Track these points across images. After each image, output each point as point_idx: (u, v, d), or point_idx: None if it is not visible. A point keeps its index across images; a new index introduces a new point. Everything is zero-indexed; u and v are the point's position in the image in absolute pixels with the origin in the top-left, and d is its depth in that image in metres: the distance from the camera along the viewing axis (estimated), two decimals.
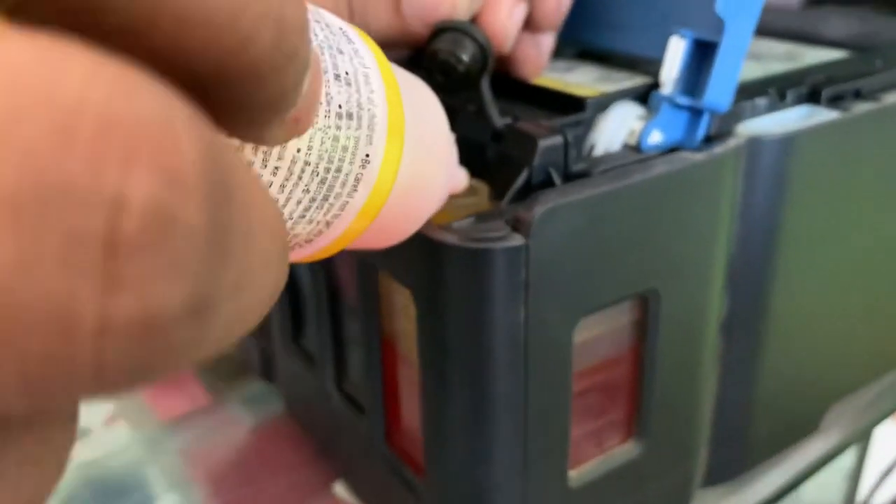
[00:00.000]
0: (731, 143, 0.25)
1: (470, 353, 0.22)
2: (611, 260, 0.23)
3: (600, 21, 0.29)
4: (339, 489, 0.33)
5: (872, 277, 0.31)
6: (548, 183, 0.23)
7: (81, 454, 0.37)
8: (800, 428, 0.33)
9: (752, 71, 0.30)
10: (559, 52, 0.31)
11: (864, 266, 0.31)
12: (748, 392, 0.29)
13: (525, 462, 0.24)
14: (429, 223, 0.21)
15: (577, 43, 0.31)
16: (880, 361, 0.35)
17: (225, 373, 0.42)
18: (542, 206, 0.21)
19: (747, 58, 0.31)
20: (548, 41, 0.27)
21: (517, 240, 0.21)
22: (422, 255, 0.22)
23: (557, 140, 0.23)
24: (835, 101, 0.28)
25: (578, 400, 0.25)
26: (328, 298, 0.29)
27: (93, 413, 0.40)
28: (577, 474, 0.26)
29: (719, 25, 0.24)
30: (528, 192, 0.23)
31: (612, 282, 0.23)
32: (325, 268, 0.29)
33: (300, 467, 0.35)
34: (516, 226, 0.21)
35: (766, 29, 0.36)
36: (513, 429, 0.23)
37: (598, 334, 0.25)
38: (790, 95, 0.28)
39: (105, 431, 0.39)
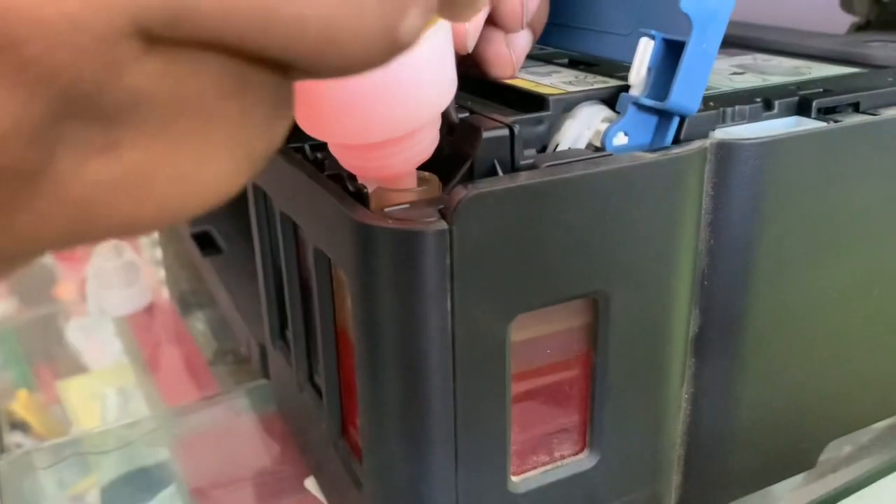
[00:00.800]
0: (693, 145, 0.24)
1: (399, 340, 0.22)
2: (549, 256, 0.22)
3: (584, 27, 0.29)
4: (310, 484, 0.33)
5: (874, 305, 0.29)
6: (493, 175, 0.23)
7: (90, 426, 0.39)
8: (791, 462, 0.31)
9: (746, 82, 0.29)
10: (549, 60, 0.31)
11: (862, 292, 0.29)
12: (725, 418, 0.28)
13: (457, 458, 0.23)
14: (363, 211, 0.21)
15: (566, 51, 0.31)
16: (889, 400, 0.33)
17: (236, 368, 0.43)
18: (468, 192, 0.20)
19: (748, 71, 0.31)
20: (521, 41, 0.27)
21: (440, 225, 0.20)
22: (355, 238, 0.22)
23: (503, 132, 0.23)
24: (827, 113, 0.27)
25: (523, 401, 0.24)
26: (300, 290, 0.29)
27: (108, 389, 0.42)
28: (520, 480, 0.25)
29: (689, 26, 0.24)
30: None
31: (551, 280, 0.22)
32: (297, 259, 0.29)
33: (281, 462, 0.35)
34: (443, 211, 0.21)
35: (812, 54, 0.34)
36: (444, 421, 0.23)
37: (546, 335, 0.24)
38: (778, 105, 0.27)
39: (119, 408, 0.40)
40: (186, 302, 0.52)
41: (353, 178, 0.23)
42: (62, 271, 0.58)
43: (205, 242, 0.50)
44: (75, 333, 0.50)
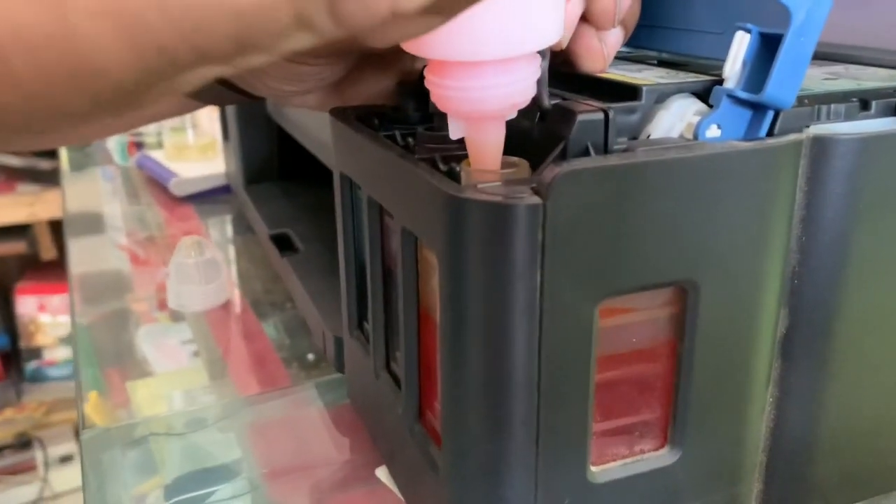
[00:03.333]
0: (789, 137, 0.23)
1: (487, 314, 0.22)
2: (639, 240, 0.22)
3: (675, 27, 0.29)
4: (382, 473, 0.33)
5: None
6: None
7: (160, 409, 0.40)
8: (878, 480, 0.30)
9: (841, 85, 0.28)
10: (639, 60, 0.31)
11: None
12: (810, 424, 0.27)
13: (538, 442, 0.23)
14: (456, 185, 0.22)
15: (656, 50, 0.31)
16: None
17: (307, 362, 0.44)
18: (563, 168, 0.21)
19: (841, 77, 0.30)
20: (613, 38, 0.27)
21: (534, 199, 0.21)
22: (447, 212, 0.22)
23: (598, 116, 0.23)
24: None
25: (606, 389, 0.24)
26: (382, 277, 0.30)
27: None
28: (600, 470, 0.25)
29: (787, 19, 0.24)
30: None
31: (641, 264, 0.22)
32: (382, 245, 0.30)
33: (352, 452, 0.35)
34: (537, 188, 0.21)
35: None
36: (526, 402, 0.23)
37: (633, 322, 0.24)
38: (875, 105, 0.26)
39: (189, 400, 0.41)
40: (259, 304, 0.53)
41: (445, 158, 0.24)
42: (136, 278, 0.60)
43: (283, 244, 0.52)
44: (146, 339, 0.51)
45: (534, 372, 0.22)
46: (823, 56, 0.36)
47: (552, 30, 0.23)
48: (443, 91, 0.23)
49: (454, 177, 0.23)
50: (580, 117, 0.23)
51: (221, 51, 0.16)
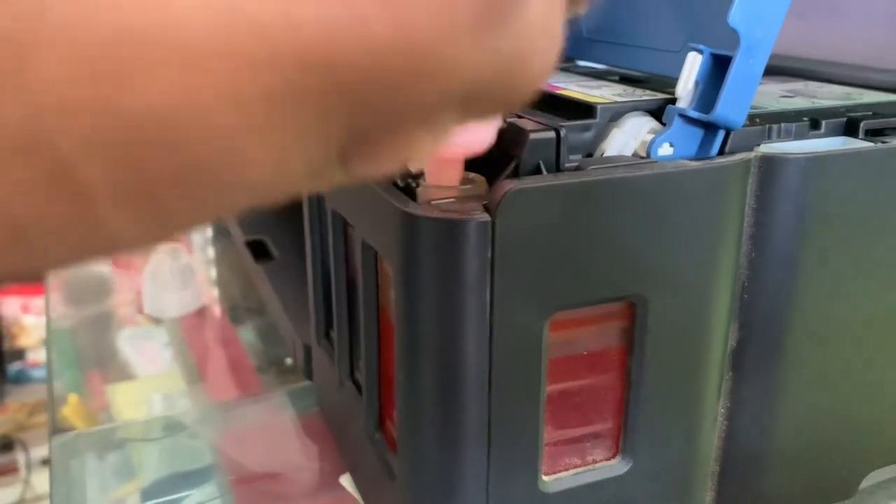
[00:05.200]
0: (737, 157, 0.24)
1: (439, 327, 0.22)
2: (589, 256, 0.23)
3: (636, 45, 0.30)
4: (345, 481, 0.33)
5: None
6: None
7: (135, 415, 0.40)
8: (829, 490, 0.30)
9: (794, 104, 0.29)
10: (601, 76, 0.32)
11: None
12: (762, 436, 0.28)
13: (489, 452, 0.24)
14: (410, 202, 0.22)
15: (618, 68, 0.31)
16: None
17: (281, 368, 0.44)
18: (512, 186, 0.21)
19: (798, 95, 0.31)
20: None
21: (484, 217, 0.21)
22: (402, 228, 0.22)
23: (549, 135, 0.24)
24: (875, 135, 0.27)
25: (557, 401, 0.25)
26: (346, 287, 0.30)
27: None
28: (552, 480, 0.25)
29: (737, 41, 0.24)
30: None
31: (590, 280, 0.23)
32: (346, 257, 0.30)
33: (320, 459, 0.36)
34: (487, 206, 0.21)
35: (867, 84, 0.34)
36: (477, 414, 0.23)
37: (583, 336, 0.25)
38: (825, 125, 0.27)
39: (165, 411, 0.42)
40: (236, 309, 0.53)
41: (404, 174, 0.24)
42: (118, 281, 0.60)
43: (258, 250, 0.52)
44: (127, 342, 0.51)
45: (485, 384, 0.23)
46: (785, 71, 0.37)
47: None
48: None
49: (410, 193, 0.23)
50: (532, 136, 0.23)
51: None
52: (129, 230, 0.11)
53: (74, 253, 0.11)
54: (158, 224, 0.11)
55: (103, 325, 0.53)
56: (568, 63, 0.34)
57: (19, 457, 1.46)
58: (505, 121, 0.25)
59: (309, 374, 0.39)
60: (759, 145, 0.26)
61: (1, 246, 0.10)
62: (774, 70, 0.36)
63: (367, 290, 0.27)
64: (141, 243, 0.12)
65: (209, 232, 0.67)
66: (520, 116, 0.25)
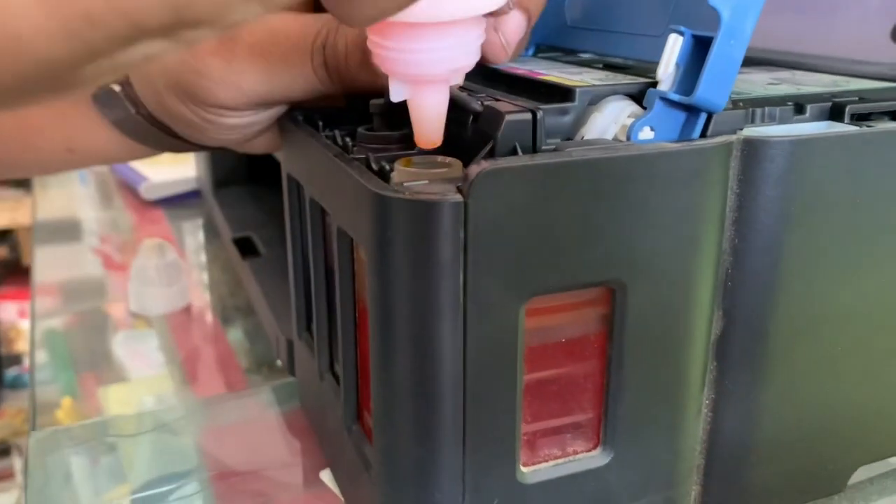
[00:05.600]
0: (719, 139, 0.24)
1: (412, 312, 0.22)
2: (565, 239, 0.22)
3: (617, 30, 0.29)
4: (325, 476, 0.33)
5: None
6: None
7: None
8: (817, 484, 0.30)
9: (782, 90, 0.29)
10: (584, 64, 0.31)
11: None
12: (747, 428, 0.27)
13: (465, 442, 0.23)
14: (381, 184, 0.22)
15: (600, 54, 0.31)
16: None
17: (268, 366, 0.44)
18: (485, 167, 0.21)
19: (785, 82, 0.30)
20: (511, 24, 0.26)
21: (456, 198, 0.21)
22: (373, 210, 0.22)
23: (525, 117, 0.23)
24: (860, 119, 0.26)
25: (535, 390, 0.24)
26: (325, 278, 0.30)
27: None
28: (530, 471, 0.25)
29: (718, 21, 0.24)
30: None
31: (567, 264, 0.22)
32: (324, 248, 0.29)
33: (302, 455, 0.35)
34: (460, 187, 0.21)
35: (855, 73, 0.33)
36: (452, 402, 0.23)
37: (561, 323, 0.24)
38: (810, 109, 0.26)
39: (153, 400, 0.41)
40: (224, 307, 0.53)
41: (379, 158, 0.24)
42: (110, 282, 0.60)
43: (245, 247, 0.52)
44: (120, 344, 0.51)
45: (459, 371, 0.22)
46: (773, 62, 0.36)
47: None
48: (385, 52, 0.23)
49: (384, 176, 0.23)
50: (508, 118, 0.23)
51: (157, 20, 0.15)
52: (19, 6, 0.14)
53: None
54: (53, 2, 0.14)
55: (97, 328, 0.53)
56: (551, 52, 0.34)
57: (15, 462, 1.45)
58: (482, 104, 0.25)
59: (292, 370, 0.38)
60: (741, 129, 0.25)
61: None
62: (762, 62, 0.36)
63: (343, 278, 0.26)
64: (47, 39, 0.14)
65: (200, 233, 0.67)
66: (497, 99, 0.25)
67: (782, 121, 0.26)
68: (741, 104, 0.26)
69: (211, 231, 0.65)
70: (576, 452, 0.25)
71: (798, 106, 0.26)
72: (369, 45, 0.23)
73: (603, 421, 0.25)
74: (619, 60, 0.31)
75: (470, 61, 0.24)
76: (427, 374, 0.22)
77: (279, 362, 0.44)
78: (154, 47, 0.16)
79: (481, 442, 0.23)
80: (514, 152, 0.23)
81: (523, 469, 0.24)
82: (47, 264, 0.63)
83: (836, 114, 0.27)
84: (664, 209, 0.23)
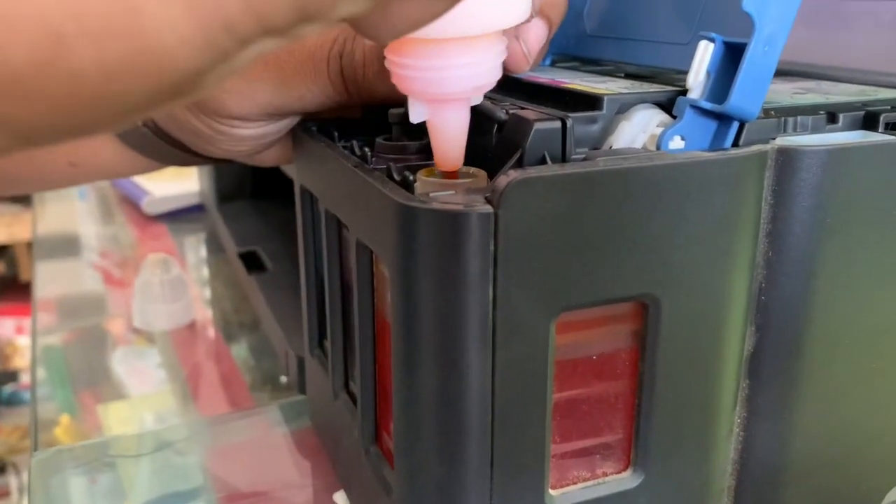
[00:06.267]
0: (753, 148, 0.23)
1: (438, 328, 0.21)
2: (597, 252, 0.21)
3: (641, 39, 0.29)
4: (339, 498, 0.32)
5: None
6: None
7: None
8: None
9: (810, 99, 0.28)
10: (607, 73, 0.30)
11: None
12: (780, 447, 0.26)
13: (493, 463, 0.22)
14: (407, 194, 0.21)
15: (623, 63, 0.30)
16: None
17: (273, 383, 0.43)
18: (516, 176, 0.20)
19: (811, 92, 0.30)
20: (533, 33, 0.26)
21: (486, 208, 0.20)
22: (398, 221, 0.21)
23: (555, 125, 0.22)
24: (894, 128, 0.25)
25: (565, 409, 0.23)
26: (340, 292, 0.29)
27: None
28: (559, 494, 0.24)
29: (751, 28, 0.23)
30: None
31: (599, 278, 0.21)
32: (340, 260, 0.29)
33: (313, 476, 0.34)
34: (490, 197, 0.20)
35: (880, 83, 0.33)
36: (480, 421, 0.22)
37: (592, 339, 0.23)
38: (843, 118, 0.26)
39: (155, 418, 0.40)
40: (228, 323, 0.52)
41: (401, 168, 0.23)
42: (110, 299, 0.59)
43: (251, 262, 0.51)
44: (120, 361, 0.50)
45: (487, 389, 0.21)
46: (796, 73, 0.36)
47: (519, 8, 0.22)
48: (404, 71, 0.22)
49: (408, 186, 0.22)
50: (536, 126, 0.22)
51: (284, 20, 0.15)
52: (170, 19, 0.13)
53: (120, 66, 0.13)
54: (200, 12, 0.14)
55: (96, 345, 0.52)
56: (572, 62, 0.33)
57: (11, 480, 1.43)
58: (507, 112, 0.24)
59: (302, 388, 0.37)
60: (774, 139, 0.24)
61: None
62: (782, 72, 0.35)
63: (362, 292, 0.25)
64: (188, 49, 0.14)
65: (203, 248, 0.66)
66: (523, 108, 0.24)
67: (815, 130, 0.25)
68: (773, 113, 0.25)
69: (214, 246, 0.64)
70: (605, 474, 0.24)
71: (831, 115, 0.25)
72: (387, 65, 0.23)
73: (633, 441, 0.24)
74: (640, 69, 0.30)
75: (493, 78, 0.23)
76: (454, 394, 0.21)
77: (283, 379, 0.43)
78: (268, 45, 0.15)
79: (509, 464, 0.22)
80: (542, 161, 0.22)
81: (552, 492, 0.23)
82: (47, 280, 0.62)
83: (869, 123, 0.26)
84: (697, 220, 0.22)
